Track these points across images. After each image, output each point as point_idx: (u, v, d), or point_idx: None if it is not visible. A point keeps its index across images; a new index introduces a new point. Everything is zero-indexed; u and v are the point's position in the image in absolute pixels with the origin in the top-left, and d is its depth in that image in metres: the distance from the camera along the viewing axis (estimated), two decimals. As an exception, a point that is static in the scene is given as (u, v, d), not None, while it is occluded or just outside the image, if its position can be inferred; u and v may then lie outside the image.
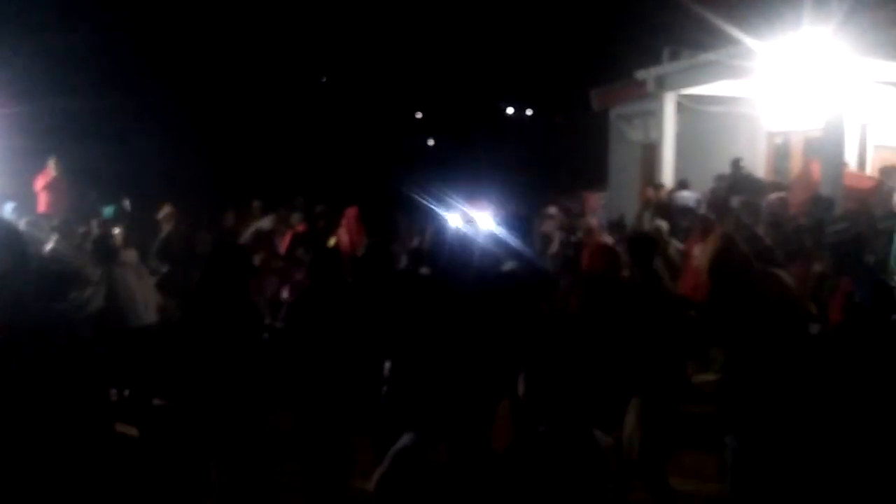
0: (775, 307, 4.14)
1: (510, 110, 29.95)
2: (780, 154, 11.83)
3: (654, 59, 10.91)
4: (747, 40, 8.39)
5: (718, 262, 5.95)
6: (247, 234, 8.19)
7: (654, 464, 4.24)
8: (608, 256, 5.11)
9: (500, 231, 5.54)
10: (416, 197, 9.98)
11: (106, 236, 6.64)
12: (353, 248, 8.12)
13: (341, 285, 4.35)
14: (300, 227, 8.56)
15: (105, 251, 6.10)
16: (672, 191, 10.41)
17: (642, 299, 4.36)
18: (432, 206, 9.37)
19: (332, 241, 8.10)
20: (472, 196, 11.50)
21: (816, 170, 8.77)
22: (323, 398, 4.04)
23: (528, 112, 30.07)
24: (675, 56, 10.53)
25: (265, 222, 8.59)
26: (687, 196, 10.03)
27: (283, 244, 8.21)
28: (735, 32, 8.50)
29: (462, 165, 18.82)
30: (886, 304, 3.98)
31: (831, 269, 5.18)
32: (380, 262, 4.66)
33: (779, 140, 11.86)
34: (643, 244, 4.65)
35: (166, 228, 8.25)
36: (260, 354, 3.96)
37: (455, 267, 4.98)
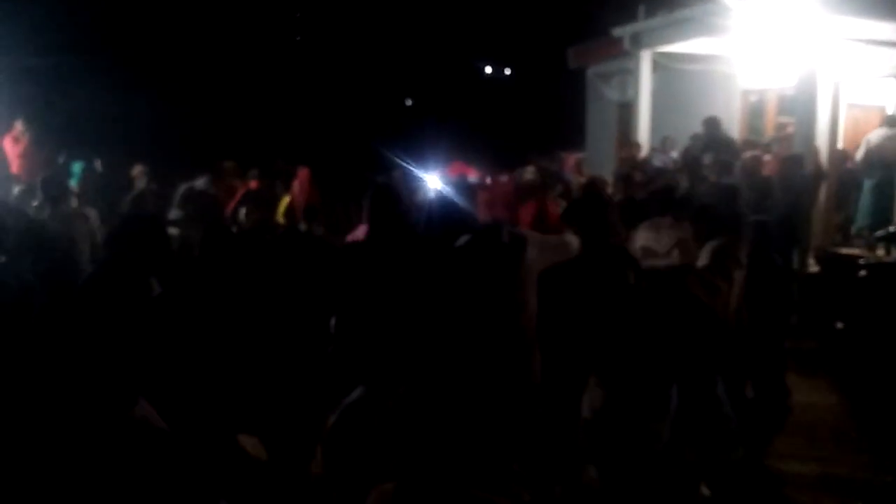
0: None
1: (488, 70, 29.67)
2: (755, 112, 11.90)
3: (631, 16, 10.86)
4: (722, -3, 8.39)
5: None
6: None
7: None
8: None
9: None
10: (395, 158, 9.90)
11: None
12: (306, 207, 8.05)
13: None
14: (253, 184, 8.31)
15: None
16: (652, 151, 10.47)
17: None
18: (411, 168, 9.29)
19: (285, 200, 8.01)
20: (449, 157, 11.47)
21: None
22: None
23: (507, 71, 29.79)
24: (650, 13, 10.49)
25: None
26: (663, 157, 10.11)
27: (234, 200, 7.87)
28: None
29: (440, 126, 18.70)
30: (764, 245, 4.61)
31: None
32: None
33: (754, 98, 11.92)
34: None
35: (139, 186, 8.20)
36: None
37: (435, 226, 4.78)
